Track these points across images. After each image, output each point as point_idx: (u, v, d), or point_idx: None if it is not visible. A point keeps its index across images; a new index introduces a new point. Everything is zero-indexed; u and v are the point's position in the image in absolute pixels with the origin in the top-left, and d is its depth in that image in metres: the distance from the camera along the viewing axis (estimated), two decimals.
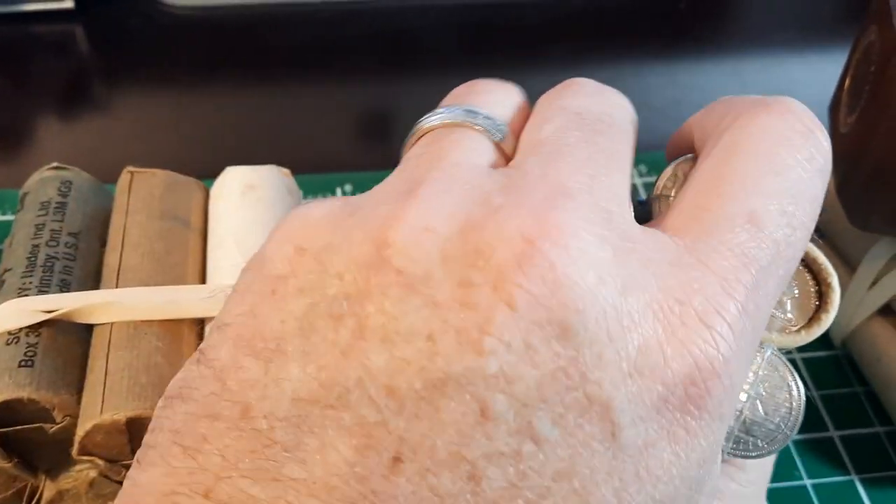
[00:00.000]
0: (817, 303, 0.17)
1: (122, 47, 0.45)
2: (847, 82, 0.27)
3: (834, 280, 0.17)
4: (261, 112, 0.41)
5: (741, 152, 0.14)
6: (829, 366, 0.29)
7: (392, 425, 0.11)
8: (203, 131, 0.40)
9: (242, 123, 0.41)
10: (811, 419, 0.28)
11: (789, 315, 0.17)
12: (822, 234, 0.30)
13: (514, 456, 0.11)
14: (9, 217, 0.34)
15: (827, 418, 0.28)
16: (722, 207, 0.14)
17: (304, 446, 0.11)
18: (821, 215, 0.31)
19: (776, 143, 0.14)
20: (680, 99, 0.42)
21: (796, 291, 0.17)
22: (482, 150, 0.15)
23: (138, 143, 0.40)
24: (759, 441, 0.16)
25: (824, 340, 0.30)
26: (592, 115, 0.15)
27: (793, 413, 0.16)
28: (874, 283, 0.27)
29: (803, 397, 0.16)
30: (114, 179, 0.27)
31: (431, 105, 0.17)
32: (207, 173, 0.28)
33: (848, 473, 0.26)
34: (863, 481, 0.26)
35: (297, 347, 0.12)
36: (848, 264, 0.29)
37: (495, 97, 0.16)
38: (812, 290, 0.17)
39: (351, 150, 0.40)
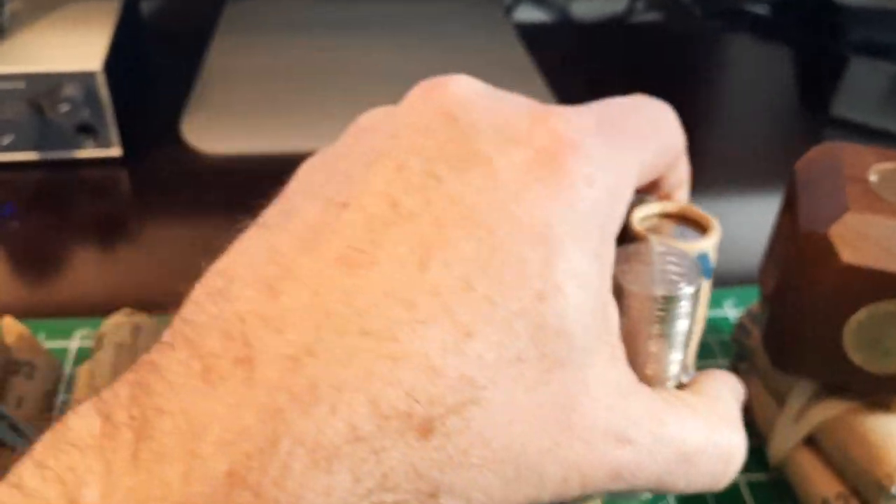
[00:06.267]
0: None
1: (160, 189, 0.51)
2: (770, 254, 0.33)
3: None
4: None
5: None
6: (767, 486, 0.35)
7: None
8: None
9: None
10: None
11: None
12: (756, 371, 0.36)
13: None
14: (59, 342, 0.39)
15: None
16: None
17: None
18: (755, 355, 0.37)
19: None
20: None
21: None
22: None
23: (168, 275, 0.45)
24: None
25: (763, 463, 0.35)
26: None
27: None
28: (799, 416, 0.33)
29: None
30: (144, 305, 0.34)
31: None
32: None
33: None
34: None
35: None
36: (778, 398, 0.35)
37: None
38: None
39: None
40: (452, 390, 0.14)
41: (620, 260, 0.24)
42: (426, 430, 0.14)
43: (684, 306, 0.24)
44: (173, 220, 0.49)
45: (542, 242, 0.17)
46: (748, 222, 0.50)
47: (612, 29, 0.74)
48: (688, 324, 0.24)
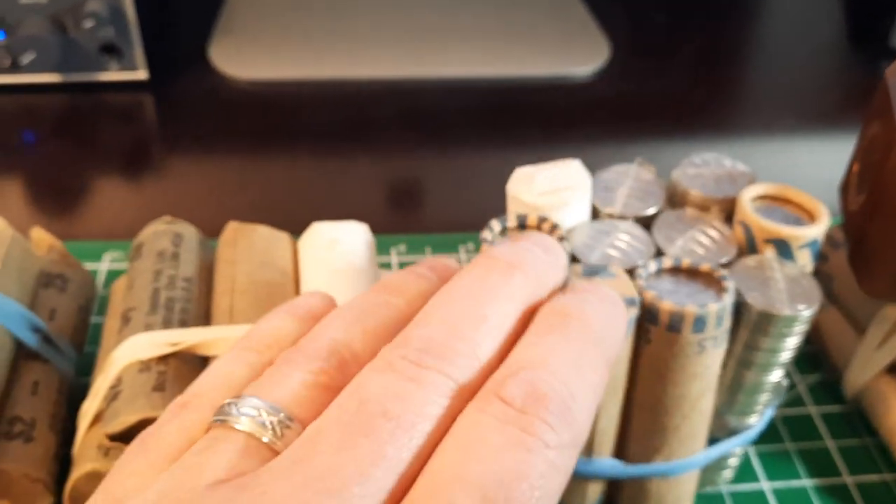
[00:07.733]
0: None
1: (186, 115, 0.49)
2: (855, 167, 0.31)
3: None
4: (301, 177, 0.44)
5: None
6: (842, 419, 0.33)
7: None
8: (252, 194, 0.43)
9: (286, 186, 0.44)
10: (828, 466, 0.31)
11: None
12: (834, 299, 0.34)
13: None
14: (88, 265, 0.37)
15: (842, 466, 0.31)
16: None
17: None
18: (833, 281, 0.35)
19: None
20: None
21: None
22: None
23: (195, 201, 0.43)
24: None
25: (837, 396, 0.33)
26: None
27: None
28: (882, 343, 0.31)
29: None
30: None
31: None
32: None
33: None
34: None
35: None
36: (857, 327, 0.32)
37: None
38: None
39: (384, 213, 0.43)
40: None
41: (741, 270, 0.24)
42: None
43: (799, 328, 0.24)
44: (200, 146, 0.47)
45: None
46: (812, 153, 0.47)
47: None
48: (798, 344, 0.25)
